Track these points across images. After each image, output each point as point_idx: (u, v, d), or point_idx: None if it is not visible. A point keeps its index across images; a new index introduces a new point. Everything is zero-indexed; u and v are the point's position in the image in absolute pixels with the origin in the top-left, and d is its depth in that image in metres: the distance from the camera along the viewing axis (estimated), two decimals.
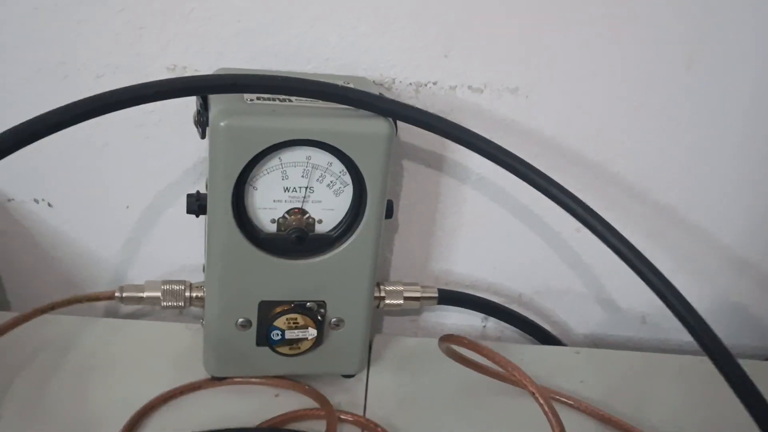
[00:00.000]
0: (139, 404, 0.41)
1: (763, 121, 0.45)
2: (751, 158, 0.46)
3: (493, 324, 0.52)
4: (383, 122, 0.38)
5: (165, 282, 0.42)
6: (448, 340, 0.40)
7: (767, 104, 0.45)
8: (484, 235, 0.49)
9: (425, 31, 0.43)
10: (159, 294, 0.42)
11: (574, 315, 0.52)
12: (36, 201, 0.48)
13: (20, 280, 0.51)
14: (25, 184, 0.47)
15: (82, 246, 0.50)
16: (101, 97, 0.31)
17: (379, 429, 0.40)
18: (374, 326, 0.52)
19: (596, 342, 0.53)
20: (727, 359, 0.35)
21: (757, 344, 0.53)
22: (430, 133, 0.40)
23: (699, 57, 0.43)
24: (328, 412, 0.40)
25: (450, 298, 0.47)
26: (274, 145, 0.37)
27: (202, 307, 0.42)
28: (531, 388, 0.36)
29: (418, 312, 0.52)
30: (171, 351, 0.46)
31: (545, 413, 0.36)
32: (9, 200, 0.48)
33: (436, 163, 0.47)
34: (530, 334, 0.51)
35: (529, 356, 0.46)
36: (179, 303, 0.42)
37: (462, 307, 0.49)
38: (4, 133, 0.31)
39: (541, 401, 0.36)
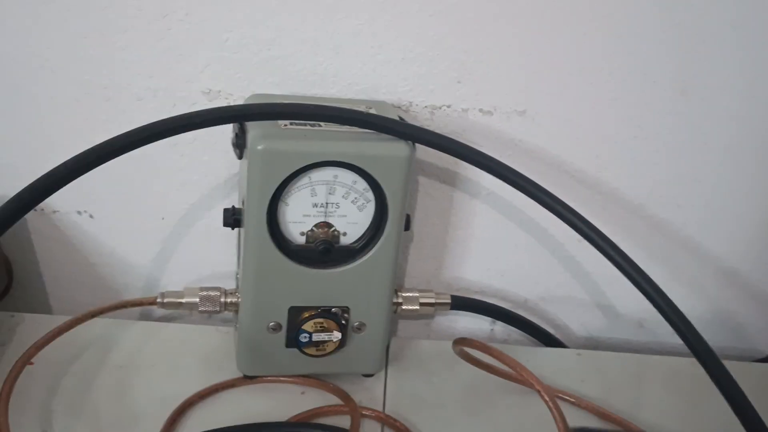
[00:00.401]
0: (177, 400, 0.44)
1: (749, 143, 0.49)
2: (739, 178, 0.50)
3: (500, 327, 0.56)
4: (403, 145, 0.41)
5: (202, 288, 0.46)
6: (461, 343, 0.44)
7: (753, 128, 0.48)
8: (493, 245, 0.53)
9: (440, 60, 0.47)
10: (197, 299, 0.46)
11: (575, 319, 0.56)
12: (79, 213, 0.52)
13: (62, 285, 0.55)
14: (70, 197, 0.51)
15: (120, 254, 0.54)
16: (159, 123, 0.35)
17: (398, 423, 0.44)
18: (391, 330, 0.56)
19: (596, 344, 0.57)
20: (712, 359, 0.38)
21: (746, 347, 0.57)
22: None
23: (691, 87, 0.47)
24: (351, 408, 0.44)
25: (462, 304, 0.51)
26: (305, 165, 0.41)
27: (235, 311, 0.46)
28: (537, 387, 0.40)
29: (431, 316, 0.56)
30: (204, 351, 0.49)
31: (550, 410, 0.39)
32: (54, 212, 0.52)
33: (449, 179, 0.51)
34: (535, 337, 0.54)
35: (533, 357, 0.50)
36: (215, 308, 0.46)
37: (473, 312, 0.53)
38: (70, 161, 0.35)
39: (547, 399, 0.40)
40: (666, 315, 0.40)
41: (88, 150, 0.34)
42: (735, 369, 0.39)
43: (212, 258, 0.53)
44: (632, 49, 0.46)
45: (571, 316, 0.56)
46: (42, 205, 0.51)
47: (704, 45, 0.46)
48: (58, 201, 0.51)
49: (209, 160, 0.50)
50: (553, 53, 0.46)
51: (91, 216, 0.52)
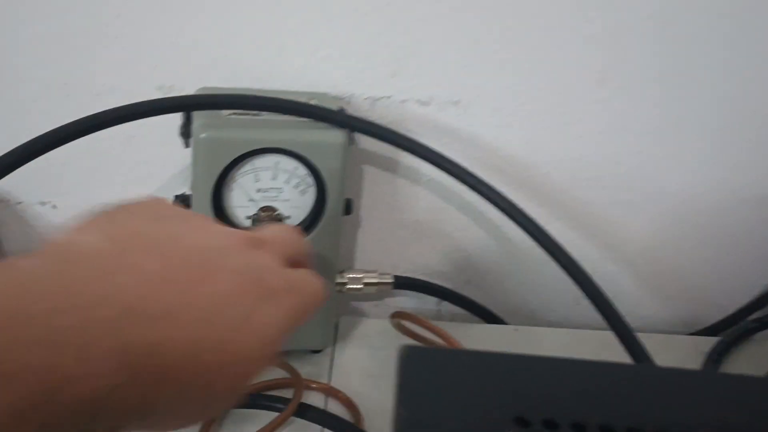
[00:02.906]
0: None
1: (666, 126, 0.53)
2: (658, 160, 0.54)
3: (446, 307, 0.59)
4: (339, 132, 0.45)
5: None
6: (398, 316, 0.47)
7: (668, 112, 0.52)
8: (435, 228, 0.56)
9: (376, 55, 0.50)
10: None
11: (516, 297, 0.59)
12: (42, 204, 0.55)
13: None
14: (33, 189, 0.54)
15: None
16: (107, 113, 0.38)
17: (341, 394, 0.47)
18: (341, 310, 0.59)
19: (536, 321, 0.60)
20: (623, 328, 0.42)
21: (676, 321, 0.60)
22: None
23: (609, 77, 0.50)
24: (297, 380, 0.47)
25: (405, 283, 0.54)
26: (248, 152, 0.44)
27: None
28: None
29: (380, 297, 0.59)
30: None
31: None
32: (18, 203, 0.54)
33: (391, 167, 0.54)
34: (477, 315, 0.58)
35: (473, 333, 0.53)
36: None
37: (416, 291, 0.56)
38: (19, 147, 0.38)
39: None
40: (578, 281, 0.44)
41: (36, 138, 0.37)
42: (663, 340, 0.42)
43: None
44: (553, 42, 0.49)
45: (511, 295, 0.59)
46: (6, 196, 0.54)
47: (621, 37, 0.49)
48: (22, 192, 0.54)
49: (166, 152, 0.53)
50: (482, 47, 0.50)
51: (54, 206, 0.55)
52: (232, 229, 0.27)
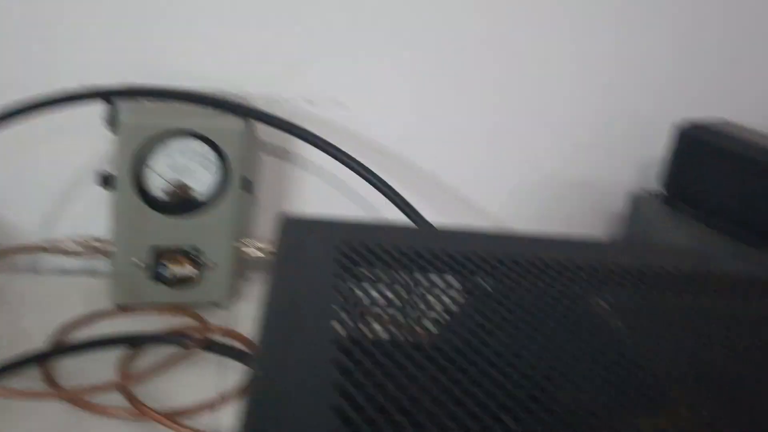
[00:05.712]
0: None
1: (506, 110, 0.67)
2: (503, 141, 0.68)
3: None
4: (240, 120, 0.55)
5: (80, 237, 0.58)
6: None
7: (509, 94, 0.66)
8: (324, 209, 0.67)
9: (272, 59, 0.61)
10: (78, 246, 0.57)
11: None
12: None
13: None
14: None
15: (9, 225, 0.63)
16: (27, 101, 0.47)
17: (241, 335, 0.57)
18: (239, 270, 0.68)
19: None
20: None
21: None
22: (283, 133, 0.58)
23: (461, 82, 0.64)
24: (203, 325, 0.57)
25: None
26: (165, 135, 0.54)
27: (111, 253, 0.58)
28: None
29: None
30: (85, 293, 0.60)
31: None
32: None
33: (285, 155, 0.65)
34: None
35: None
36: (94, 253, 0.57)
37: None
38: None
39: None
40: None
41: None
42: None
43: (101, 225, 0.64)
44: (414, 45, 0.63)
45: None
46: None
47: (460, 45, 0.63)
48: None
49: (93, 138, 0.61)
50: (358, 54, 0.62)
51: None
52: None
